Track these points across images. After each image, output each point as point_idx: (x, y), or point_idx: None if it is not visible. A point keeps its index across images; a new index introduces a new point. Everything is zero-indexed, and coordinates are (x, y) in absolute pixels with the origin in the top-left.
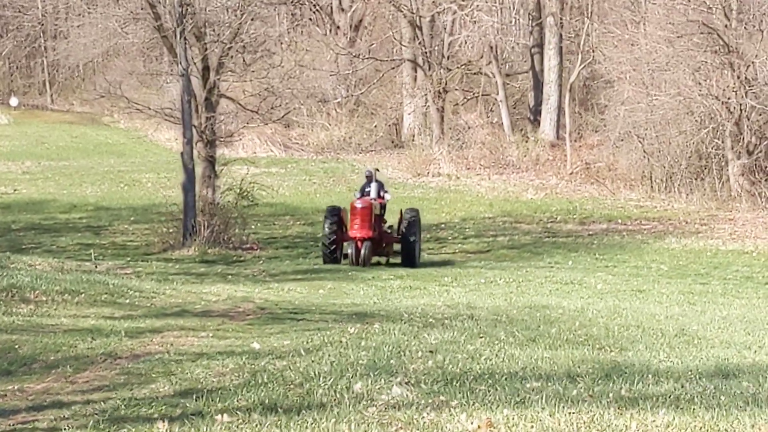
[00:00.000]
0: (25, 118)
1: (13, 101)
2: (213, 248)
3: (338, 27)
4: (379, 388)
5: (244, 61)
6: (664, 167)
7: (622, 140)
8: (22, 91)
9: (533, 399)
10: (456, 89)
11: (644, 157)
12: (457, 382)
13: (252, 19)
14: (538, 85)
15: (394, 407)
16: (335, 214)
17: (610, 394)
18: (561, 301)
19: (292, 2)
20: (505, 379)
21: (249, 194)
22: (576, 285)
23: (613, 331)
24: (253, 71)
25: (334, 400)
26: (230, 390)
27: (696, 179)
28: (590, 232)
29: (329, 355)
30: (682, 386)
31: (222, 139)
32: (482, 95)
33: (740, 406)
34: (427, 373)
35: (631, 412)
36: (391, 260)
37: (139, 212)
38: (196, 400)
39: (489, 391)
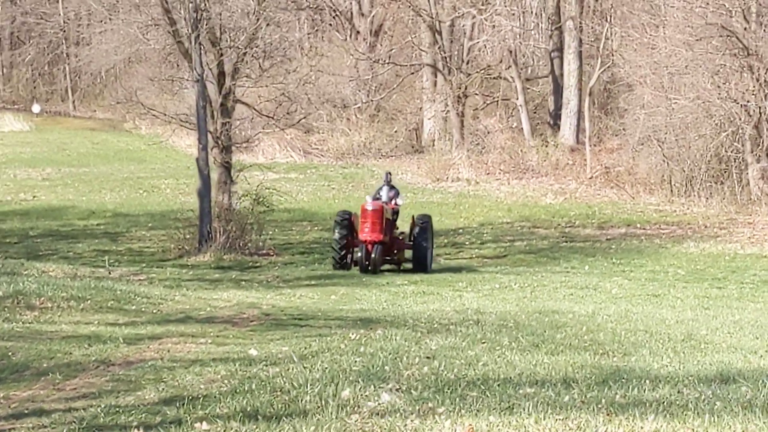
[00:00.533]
0: (47, 125)
1: (36, 108)
2: (229, 254)
3: (358, 32)
4: (367, 395)
5: (260, 66)
6: (684, 171)
7: (642, 144)
8: (45, 98)
9: (523, 405)
10: (476, 94)
11: (664, 161)
12: (449, 389)
13: (267, 24)
14: (558, 90)
15: (379, 414)
16: (346, 218)
17: (603, 400)
18: (573, 306)
19: (311, 8)
20: (499, 385)
21: (265, 200)
22: (591, 290)
23: (619, 336)
24: (269, 77)
25: (318, 407)
26: (215, 397)
27: (716, 183)
28: (608, 237)
29: (323, 362)
30: (679, 392)
31: (238, 145)
32: (502, 100)
33: (734, 411)
34: (420, 380)
35: (620, 419)
36: (404, 266)
37: (157, 218)
38: (178, 408)
39: (480, 398)
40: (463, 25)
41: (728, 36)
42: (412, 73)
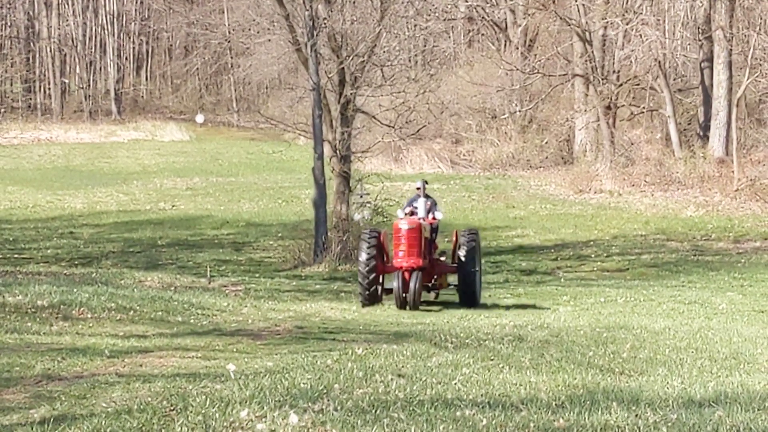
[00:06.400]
0: (209, 135)
1: (199, 118)
2: (344, 265)
3: (511, 42)
4: (273, 416)
5: (382, 75)
6: None
7: None
8: (211, 108)
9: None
10: (623, 105)
11: None
12: (380, 410)
13: (387, 32)
14: (707, 100)
15: None
16: (374, 238)
17: (532, 424)
18: (656, 321)
19: (464, 18)
20: (437, 407)
21: (383, 210)
22: (697, 305)
23: (662, 353)
24: (390, 85)
25: (191, 429)
26: (98, 416)
27: None
28: (740, 251)
29: (269, 379)
30: (637, 415)
31: (359, 155)
32: (650, 110)
33: None
34: (359, 399)
35: None
36: (445, 296)
37: (289, 228)
38: (50, 428)
39: (399, 421)
40: (613, 34)
41: None
42: (562, 84)
